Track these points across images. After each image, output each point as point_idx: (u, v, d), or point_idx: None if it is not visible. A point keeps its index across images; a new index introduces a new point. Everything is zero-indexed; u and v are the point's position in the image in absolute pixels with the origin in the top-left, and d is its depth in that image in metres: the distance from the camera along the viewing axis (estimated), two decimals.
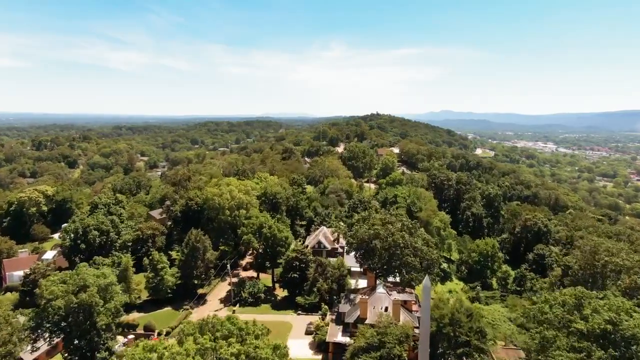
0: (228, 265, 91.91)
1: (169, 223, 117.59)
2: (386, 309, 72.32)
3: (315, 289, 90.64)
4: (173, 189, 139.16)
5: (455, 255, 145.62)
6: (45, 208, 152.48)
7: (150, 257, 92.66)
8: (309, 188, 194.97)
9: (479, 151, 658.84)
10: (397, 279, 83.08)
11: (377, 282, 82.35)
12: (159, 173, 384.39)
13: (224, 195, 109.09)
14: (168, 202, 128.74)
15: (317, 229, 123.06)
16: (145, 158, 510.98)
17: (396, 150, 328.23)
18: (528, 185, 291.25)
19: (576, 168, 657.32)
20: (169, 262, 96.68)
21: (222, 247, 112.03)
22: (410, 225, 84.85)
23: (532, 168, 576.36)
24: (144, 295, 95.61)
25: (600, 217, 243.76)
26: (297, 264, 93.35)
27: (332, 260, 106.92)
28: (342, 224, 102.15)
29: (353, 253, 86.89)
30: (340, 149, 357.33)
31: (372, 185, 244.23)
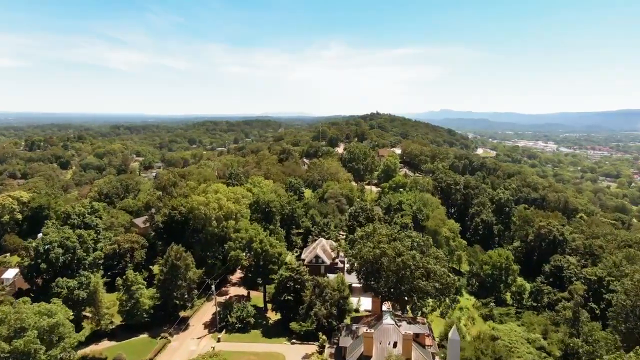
0: (213, 287, 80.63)
1: (152, 234, 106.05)
2: (395, 345, 61.00)
3: (312, 313, 79.26)
4: (157, 196, 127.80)
5: (465, 267, 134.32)
6: (19, 216, 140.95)
7: (124, 277, 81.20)
8: (307, 192, 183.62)
9: (480, 151, 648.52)
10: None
11: (384, 308, 71.07)
12: (154, 174, 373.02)
13: (210, 205, 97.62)
14: (153, 210, 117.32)
15: (315, 240, 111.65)
16: (141, 158, 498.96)
17: (398, 151, 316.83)
18: (535, 188, 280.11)
19: (579, 168, 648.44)
20: (146, 282, 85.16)
21: (210, 261, 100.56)
22: (422, 243, 73.49)
23: (535, 168, 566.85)
24: (118, 320, 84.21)
25: (613, 221, 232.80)
26: (292, 284, 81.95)
27: (331, 277, 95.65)
28: (342, 239, 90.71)
29: (355, 273, 75.33)
30: (340, 149, 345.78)
31: (374, 188, 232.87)
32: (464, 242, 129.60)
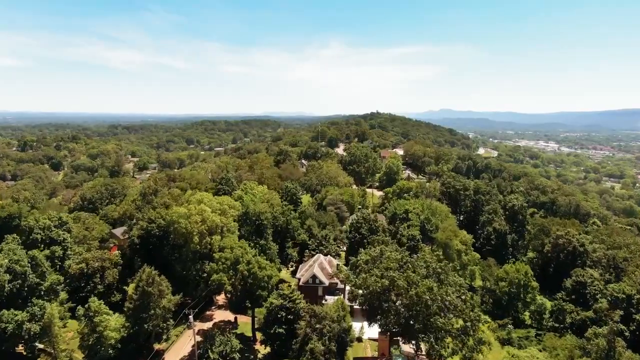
0: (191, 317, 68.40)
1: (127, 250, 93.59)
2: None
3: (307, 349, 67.00)
4: (135, 205, 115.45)
5: (478, 282, 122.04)
6: None
7: (86, 306, 68.93)
8: (305, 198, 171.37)
9: (481, 151, 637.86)
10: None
11: (393, 349, 58.87)
12: (148, 175, 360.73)
13: (192, 218, 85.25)
14: (133, 221, 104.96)
15: (313, 255, 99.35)
16: (135, 159, 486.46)
17: (400, 152, 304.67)
18: (544, 191, 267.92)
19: (582, 168, 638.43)
20: (118, 307, 72.91)
21: (191, 283, 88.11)
22: (439, 270, 61.11)
23: (537, 169, 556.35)
24: (79, 356, 71.93)
25: (628, 226, 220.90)
26: (284, 314, 69.67)
27: (330, 300, 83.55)
28: (343, 252, 78.26)
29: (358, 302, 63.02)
30: (339, 150, 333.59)
31: (376, 192, 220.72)
32: (477, 255, 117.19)
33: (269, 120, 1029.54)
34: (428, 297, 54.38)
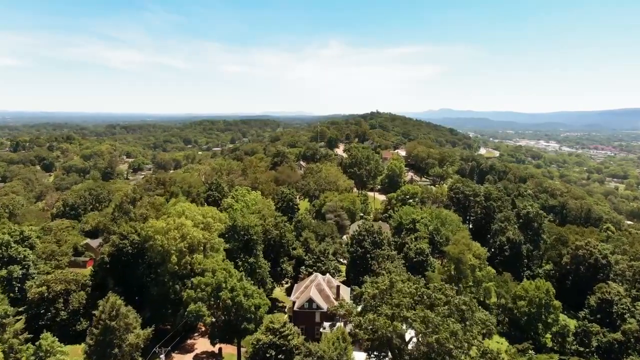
0: (163, 357, 57.15)
1: (95, 271, 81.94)
2: None
3: None
4: (111, 217, 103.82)
5: (493, 299, 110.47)
6: None
7: (37, 344, 57.54)
8: (303, 204, 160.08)
9: (482, 151, 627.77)
10: None
11: None
12: (142, 177, 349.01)
13: (170, 233, 73.78)
14: (107, 236, 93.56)
15: (309, 273, 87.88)
16: (131, 160, 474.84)
17: (402, 152, 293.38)
18: (553, 194, 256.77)
19: (584, 169, 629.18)
20: (67, 352, 61.37)
21: (169, 310, 76.63)
22: (464, 306, 49.62)
23: (540, 169, 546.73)
24: None
25: None
26: (273, 353, 58.30)
27: (328, 328, 72.04)
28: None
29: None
30: (339, 150, 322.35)
31: (378, 195, 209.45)
32: (493, 271, 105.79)
33: (268, 120, 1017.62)
34: (452, 345, 43.15)
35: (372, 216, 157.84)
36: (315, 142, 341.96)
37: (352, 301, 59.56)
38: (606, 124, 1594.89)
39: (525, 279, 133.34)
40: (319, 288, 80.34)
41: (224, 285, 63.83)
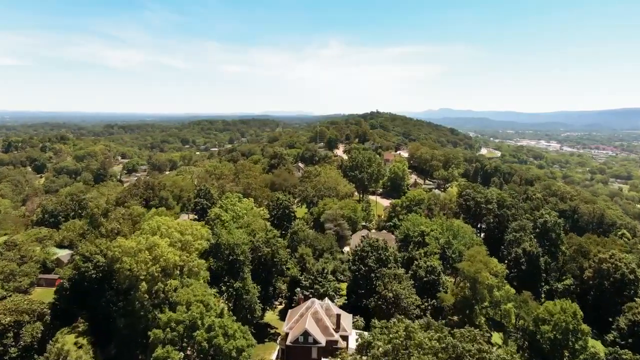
0: None
1: (54, 298, 70.41)
2: None
3: None
4: (79, 232, 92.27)
5: (512, 319, 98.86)
6: None
7: None
8: (300, 211, 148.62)
9: (484, 151, 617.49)
10: None
11: None
12: (135, 179, 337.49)
13: (140, 255, 62.34)
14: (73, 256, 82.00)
15: (305, 298, 76.31)
16: (125, 160, 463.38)
17: (405, 154, 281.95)
18: (562, 197, 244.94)
19: (587, 169, 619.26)
20: None
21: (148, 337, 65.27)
22: None
23: (542, 170, 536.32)
24: None
25: None
26: None
27: None
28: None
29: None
30: (339, 151, 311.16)
31: (379, 199, 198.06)
32: (512, 290, 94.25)
33: (267, 119, 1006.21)
34: None
35: (374, 224, 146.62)
36: (314, 142, 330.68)
37: (356, 353, 47.88)
38: (606, 123, 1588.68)
39: (543, 295, 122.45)
40: (316, 317, 68.86)
41: (199, 322, 52.45)
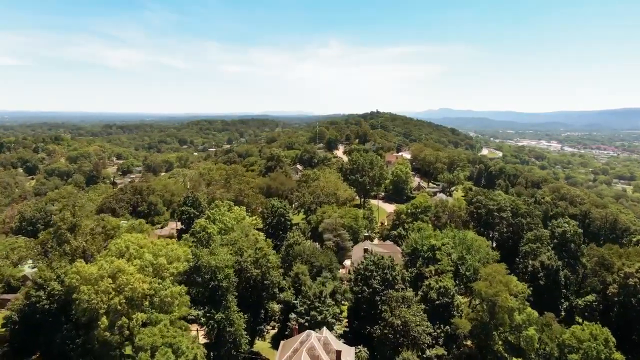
0: None
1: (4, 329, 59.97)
2: None
3: None
4: (41, 250, 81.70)
5: (533, 345, 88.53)
6: None
7: None
8: (297, 218, 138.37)
9: (485, 151, 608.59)
10: None
11: None
12: (129, 180, 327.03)
13: (102, 283, 51.86)
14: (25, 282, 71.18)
15: (300, 327, 65.83)
16: (121, 162, 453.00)
17: (407, 155, 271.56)
18: (572, 201, 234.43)
19: (590, 170, 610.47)
20: None
21: None
22: None
23: (545, 170, 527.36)
24: None
25: None
26: None
27: None
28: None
29: None
30: (339, 152, 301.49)
31: (382, 204, 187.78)
32: (535, 314, 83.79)
33: (267, 119, 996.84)
34: None
35: (377, 232, 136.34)
36: (314, 143, 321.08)
37: None
38: (606, 123, 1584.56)
39: (563, 313, 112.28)
40: (312, 354, 58.38)
41: None
